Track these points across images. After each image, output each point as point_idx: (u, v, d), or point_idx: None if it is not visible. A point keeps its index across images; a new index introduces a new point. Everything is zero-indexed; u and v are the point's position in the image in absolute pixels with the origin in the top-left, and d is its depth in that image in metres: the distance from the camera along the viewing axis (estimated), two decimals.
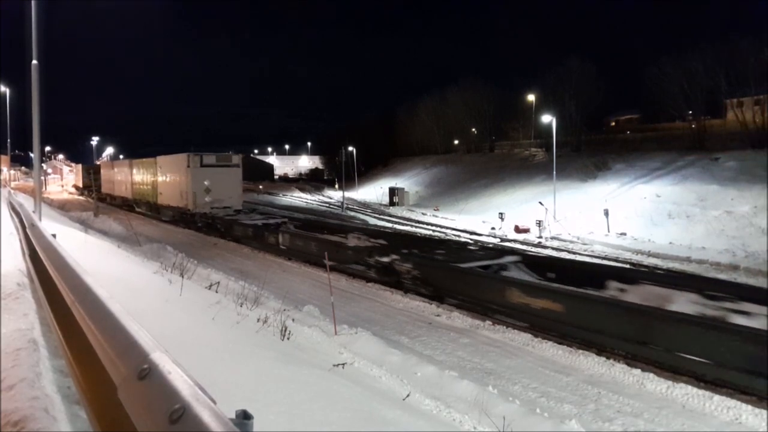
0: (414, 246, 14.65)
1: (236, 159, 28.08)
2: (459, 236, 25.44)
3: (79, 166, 71.01)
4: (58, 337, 3.86)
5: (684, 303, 8.67)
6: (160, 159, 31.12)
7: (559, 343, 9.26)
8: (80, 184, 64.22)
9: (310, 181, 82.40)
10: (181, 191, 27.25)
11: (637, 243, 22.59)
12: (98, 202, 37.25)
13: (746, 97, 34.90)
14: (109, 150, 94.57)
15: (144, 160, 35.03)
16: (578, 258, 19.12)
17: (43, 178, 44.70)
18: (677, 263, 18.75)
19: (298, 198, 58.29)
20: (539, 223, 25.85)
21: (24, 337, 4.43)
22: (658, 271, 16.53)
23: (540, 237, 24.92)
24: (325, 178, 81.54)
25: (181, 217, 28.26)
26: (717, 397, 7.07)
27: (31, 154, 19.99)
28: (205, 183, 26.16)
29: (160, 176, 30.72)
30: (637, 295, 9.51)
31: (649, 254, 20.43)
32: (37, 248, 6.28)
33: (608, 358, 8.57)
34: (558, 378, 7.93)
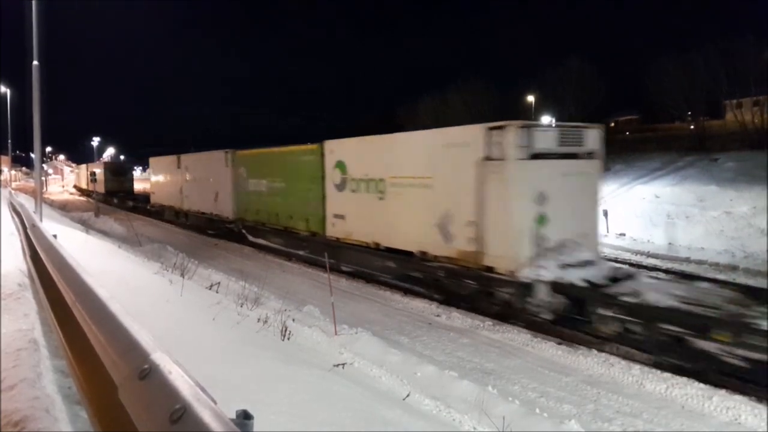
0: None
1: (593, 137, 11.29)
2: None
3: (99, 163, 53.10)
4: (58, 337, 3.88)
5: None
6: (339, 144, 15.49)
7: (559, 344, 9.28)
8: (88, 186, 45.64)
9: None
10: (459, 221, 11.10)
11: (636, 243, 22.61)
12: (98, 204, 35.62)
13: (746, 98, 34.94)
14: (110, 150, 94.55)
15: (275, 150, 19.35)
16: None
17: (43, 178, 43.99)
18: (676, 264, 18.75)
19: None
20: None
21: (25, 338, 4.45)
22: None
23: None
24: None
25: (457, 291, 11.45)
26: (716, 398, 7.08)
27: (32, 155, 19.99)
28: (537, 207, 10.20)
29: (336, 181, 15.24)
30: None
31: (648, 255, 20.44)
32: (38, 248, 6.30)
33: (607, 358, 8.58)
34: (557, 378, 7.93)
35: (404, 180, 12.74)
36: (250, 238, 20.43)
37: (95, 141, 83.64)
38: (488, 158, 10.41)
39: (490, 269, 10.49)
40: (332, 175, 15.40)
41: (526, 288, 9.69)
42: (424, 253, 12.12)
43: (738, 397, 7.07)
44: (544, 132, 10.66)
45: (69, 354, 3.34)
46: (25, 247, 8.68)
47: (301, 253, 17.18)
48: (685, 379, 7.67)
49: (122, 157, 74.75)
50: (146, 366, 1.81)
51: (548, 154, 10.49)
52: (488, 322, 10.60)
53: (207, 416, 1.41)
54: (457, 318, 11.00)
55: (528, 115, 47.46)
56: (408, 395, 6.49)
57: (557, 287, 9.44)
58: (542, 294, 9.54)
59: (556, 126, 11.90)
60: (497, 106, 55.10)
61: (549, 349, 9.13)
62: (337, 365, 6.74)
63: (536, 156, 10.23)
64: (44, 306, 5.01)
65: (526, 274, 9.73)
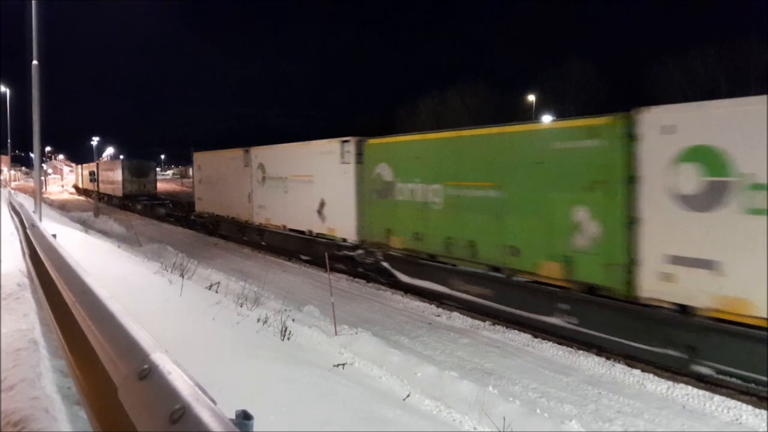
0: None
1: None
2: None
3: (116, 161, 43.76)
4: (58, 337, 3.86)
5: None
6: (697, 113, 7.74)
7: (559, 344, 9.27)
8: (97, 188, 37.98)
9: None
10: None
11: None
12: (98, 203, 34.94)
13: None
14: (110, 150, 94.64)
15: (470, 133, 11.54)
16: None
17: (43, 178, 43.34)
18: None
19: None
20: None
21: (24, 338, 4.44)
22: None
23: None
24: None
25: None
26: (717, 398, 7.07)
27: (32, 155, 20.01)
28: None
29: (688, 189, 7.58)
30: None
31: None
32: (38, 248, 6.28)
33: (608, 358, 8.57)
34: (558, 378, 7.93)
35: None
36: (404, 278, 12.62)
37: (95, 141, 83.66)
38: None
39: None
40: (672, 177, 7.81)
41: None
42: None
43: (739, 398, 7.07)
44: None
45: (68, 354, 3.33)
46: (25, 247, 8.67)
47: (554, 322, 9.26)
48: (686, 379, 7.67)
49: (121, 157, 74.29)
50: (146, 366, 1.80)
51: None
52: (488, 322, 10.59)
53: (207, 416, 1.40)
54: (458, 318, 10.99)
55: (529, 115, 47.52)
56: (408, 395, 6.49)
57: None
58: None
59: None
60: (497, 106, 55.21)
61: (549, 349, 9.12)
62: (337, 365, 6.73)
63: None
64: (44, 306, 5.00)
65: None
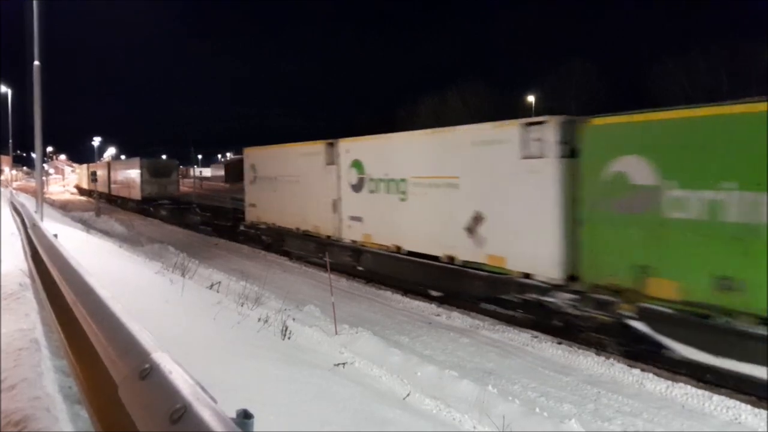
0: None
1: None
2: None
3: (134, 161, 35.89)
4: (59, 336, 3.88)
5: None
6: None
7: (559, 344, 9.28)
8: (109, 191, 37.95)
9: None
10: None
11: None
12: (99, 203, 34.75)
13: (747, 98, 35.04)
14: (111, 150, 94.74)
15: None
16: None
17: (44, 178, 43.19)
18: None
19: None
20: None
21: (26, 337, 4.46)
22: None
23: None
24: None
25: None
26: (716, 397, 7.07)
27: (33, 155, 20.04)
28: None
29: None
30: None
31: None
32: (39, 248, 6.31)
33: (607, 358, 8.58)
34: (557, 378, 7.94)
35: None
36: (690, 354, 7.47)
37: (96, 141, 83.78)
38: None
39: None
40: None
41: None
42: None
43: (738, 397, 7.08)
44: None
45: (70, 354, 3.35)
46: (26, 247, 8.70)
47: None
48: (685, 378, 7.68)
49: (123, 157, 74.22)
50: (147, 365, 1.82)
51: None
52: (488, 321, 10.61)
53: (207, 416, 1.41)
54: (458, 318, 11.00)
55: (528, 115, 47.49)
56: (408, 395, 6.50)
57: None
58: None
59: None
60: (497, 106, 55.20)
61: (549, 349, 9.13)
62: (338, 365, 6.75)
63: None
64: (45, 306, 5.02)
65: None
